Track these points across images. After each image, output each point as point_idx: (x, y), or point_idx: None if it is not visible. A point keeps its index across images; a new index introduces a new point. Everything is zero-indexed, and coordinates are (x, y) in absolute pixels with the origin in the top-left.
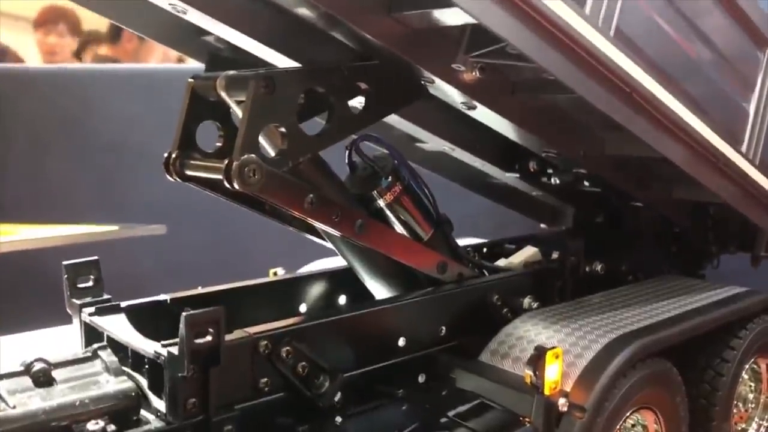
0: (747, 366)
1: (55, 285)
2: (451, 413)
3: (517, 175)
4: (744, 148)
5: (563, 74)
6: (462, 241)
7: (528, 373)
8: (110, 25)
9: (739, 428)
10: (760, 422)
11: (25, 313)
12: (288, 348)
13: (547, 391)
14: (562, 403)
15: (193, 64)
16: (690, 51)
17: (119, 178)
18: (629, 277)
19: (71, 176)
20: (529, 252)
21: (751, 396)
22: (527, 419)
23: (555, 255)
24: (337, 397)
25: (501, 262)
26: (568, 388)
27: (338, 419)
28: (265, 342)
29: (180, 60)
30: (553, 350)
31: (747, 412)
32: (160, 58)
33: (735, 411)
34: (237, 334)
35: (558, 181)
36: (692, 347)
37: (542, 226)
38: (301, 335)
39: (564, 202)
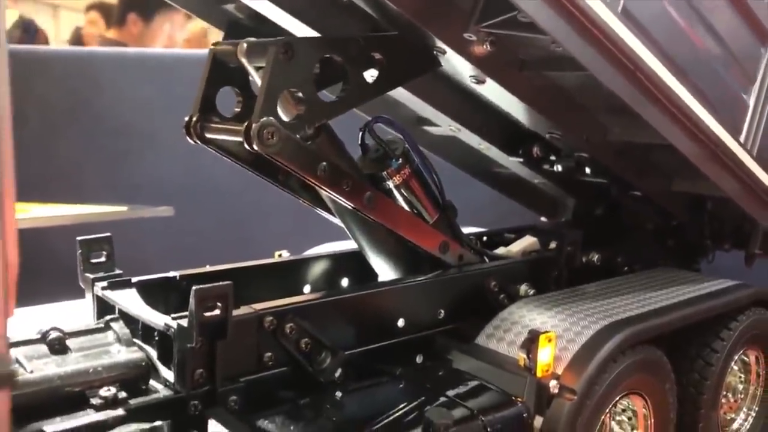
0: (736, 357)
1: (66, 262)
2: (447, 392)
3: (521, 160)
4: (743, 139)
5: (571, 45)
6: (465, 230)
7: (522, 356)
8: (117, 9)
9: (728, 418)
10: (748, 412)
11: (38, 287)
12: (292, 324)
13: (539, 373)
14: (553, 385)
15: (200, 52)
16: (695, 38)
17: (129, 161)
18: (625, 268)
19: (82, 157)
20: (528, 241)
21: (740, 387)
22: (519, 399)
23: (553, 245)
24: (338, 373)
25: (500, 251)
26: (559, 371)
27: (338, 394)
28: (271, 318)
29: (188, 41)
30: (546, 334)
31: (736, 402)
32: (165, 43)
33: (725, 401)
34: (243, 309)
35: (560, 169)
36: (683, 337)
37: (542, 219)
38: (304, 313)
39: (565, 192)
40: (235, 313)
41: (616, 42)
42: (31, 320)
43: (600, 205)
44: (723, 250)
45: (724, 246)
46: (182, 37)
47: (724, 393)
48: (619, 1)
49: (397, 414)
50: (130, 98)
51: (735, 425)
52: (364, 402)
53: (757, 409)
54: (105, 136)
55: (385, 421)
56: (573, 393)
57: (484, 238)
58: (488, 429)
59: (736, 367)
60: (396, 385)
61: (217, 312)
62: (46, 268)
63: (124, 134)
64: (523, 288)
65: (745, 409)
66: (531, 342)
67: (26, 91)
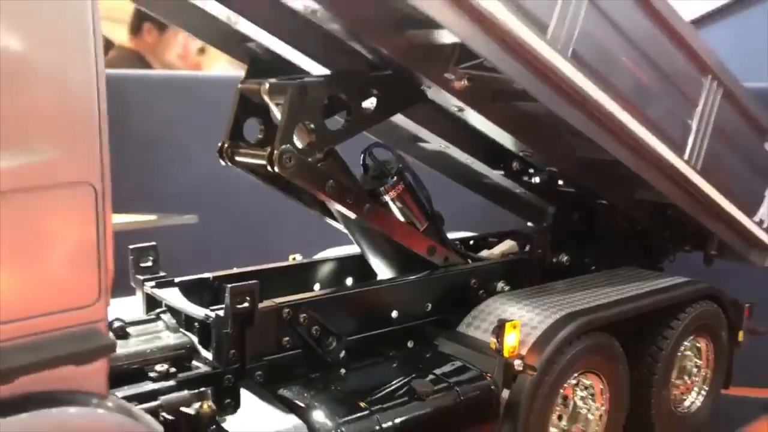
0: (686, 343)
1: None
2: (432, 370)
3: (503, 173)
4: (686, 156)
5: (528, 85)
6: (457, 234)
7: (492, 340)
8: (132, 18)
9: (684, 398)
10: (699, 391)
11: None
12: (305, 315)
13: (506, 354)
14: (517, 364)
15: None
16: (640, 73)
17: (157, 173)
18: (592, 268)
19: (117, 171)
20: (507, 245)
21: (695, 370)
22: (489, 375)
23: (527, 248)
24: (342, 354)
25: (484, 253)
26: (524, 353)
27: (342, 371)
28: (288, 310)
29: (201, 51)
30: (511, 322)
31: (691, 383)
32: (179, 51)
33: (680, 383)
34: (266, 303)
35: (537, 180)
36: (639, 326)
37: (529, 224)
38: (315, 306)
39: (544, 200)
40: (260, 306)
41: (567, 81)
42: None
43: (576, 211)
44: (685, 251)
45: (685, 248)
46: (196, 47)
47: (681, 376)
48: (569, 46)
49: (390, 386)
50: (157, 117)
51: (687, 402)
52: (364, 377)
53: (707, 388)
54: (136, 151)
55: (380, 391)
56: (533, 370)
57: (471, 242)
58: (461, 397)
59: (690, 353)
60: (390, 364)
61: (246, 305)
62: None
63: (153, 150)
64: (499, 285)
65: (696, 389)
66: (499, 329)
67: None
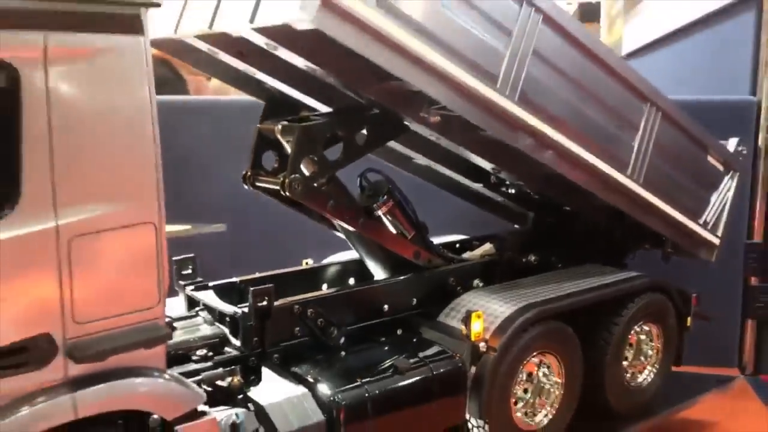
0: (637, 329)
1: None
2: (414, 352)
3: (482, 185)
4: (629, 172)
5: (482, 124)
6: (448, 237)
7: (462, 327)
8: None
9: (638, 375)
10: (651, 369)
11: None
12: (312, 310)
13: (472, 338)
14: (482, 346)
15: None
16: (583, 106)
17: (190, 188)
18: (559, 265)
19: None
20: (486, 247)
21: (650, 352)
22: (459, 355)
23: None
24: (342, 340)
25: (467, 254)
26: (487, 337)
27: (342, 354)
28: (298, 306)
29: None
30: (476, 313)
31: (646, 363)
32: None
33: (636, 362)
34: (281, 301)
35: (513, 191)
36: (594, 314)
37: (516, 226)
38: (320, 302)
39: (522, 207)
40: (276, 303)
41: (516, 119)
42: None
43: (550, 216)
44: (645, 249)
45: (645, 246)
46: None
47: (637, 356)
48: (516, 92)
49: (378, 365)
50: (190, 137)
51: (640, 379)
52: (358, 358)
53: (657, 367)
54: (171, 168)
55: (371, 368)
56: (494, 351)
57: (457, 245)
58: (433, 372)
59: (644, 337)
60: (381, 348)
61: (264, 303)
62: None
63: (186, 167)
64: (475, 282)
65: (649, 368)
66: (467, 318)
67: None
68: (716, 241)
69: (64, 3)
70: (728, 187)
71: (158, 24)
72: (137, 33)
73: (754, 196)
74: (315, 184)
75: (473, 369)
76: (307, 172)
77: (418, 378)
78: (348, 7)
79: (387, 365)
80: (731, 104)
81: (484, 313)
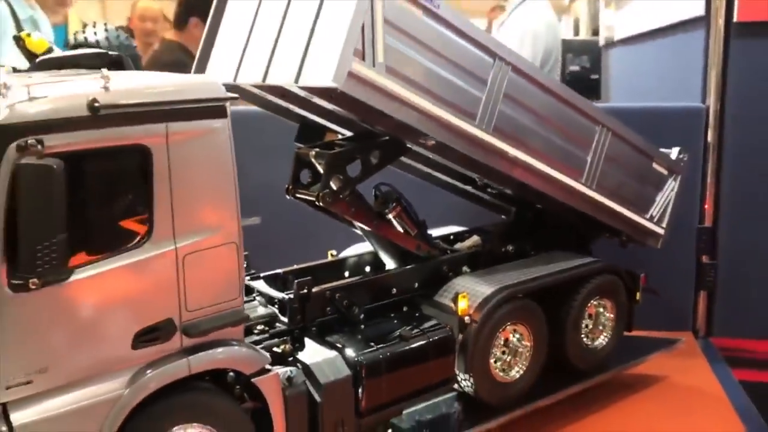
0: (594, 302)
1: None
2: (416, 325)
3: (471, 187)
4: (583, 180)
5: (466, 151)
6: (445, 229)
7: (451, 305)
8: (178, 13)
9: (596, 340)
10: (607, 335)
11: None
12: (338, 294)
13: (459, 313)
14: (467, 319)
15: None
16: (545, 132)
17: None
18: (532, 253)
19: None
20: (473, 240)
21: (605, 322)
22: (449, 327)
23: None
24: (361, 317)
25: (458, 245)
26: (471, 312)
27: (362, 327)
28: (329, 292)
29: None
30: (462, 294)
31: (603, 330)
32: None
33: (596, 330)
34: (317, 288)
35: (495, 192)
36: (557, 292)
37: (503, 217)
38: (345, 288)
39: (506, 203)
40: (313, 290)
41: (491, 146)
42: None
43: (529, 210)
44: (606, 238)
45: (605, 235)
46: None
47: (596, 325)
48: (491, 125)
49: (390, 334)
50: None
51: (596, 343)
52: (375, 330)
53: (611, 333)
54: None
55: (383, 337)
56: (476, 323)
57: (451, 237)
58: (430, 339)
59: (601, 309)
60: (391, 322)
61: (305, 290)
62: None
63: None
64: (464, 268)
65: (605, 334)
66: (455, 298)
67: None
68: (661, 231)
69: (178, 102)
70: (671, 187)
71: (215, 71)
72: (224, 117)
73: (705, 188)
74: (341, 196)
75: (460, 336)
76: (334, 187)
77: (418, 344)
78: (366, 76)
79: (395, 334)
80: (685, 110)
81: (468, 294)
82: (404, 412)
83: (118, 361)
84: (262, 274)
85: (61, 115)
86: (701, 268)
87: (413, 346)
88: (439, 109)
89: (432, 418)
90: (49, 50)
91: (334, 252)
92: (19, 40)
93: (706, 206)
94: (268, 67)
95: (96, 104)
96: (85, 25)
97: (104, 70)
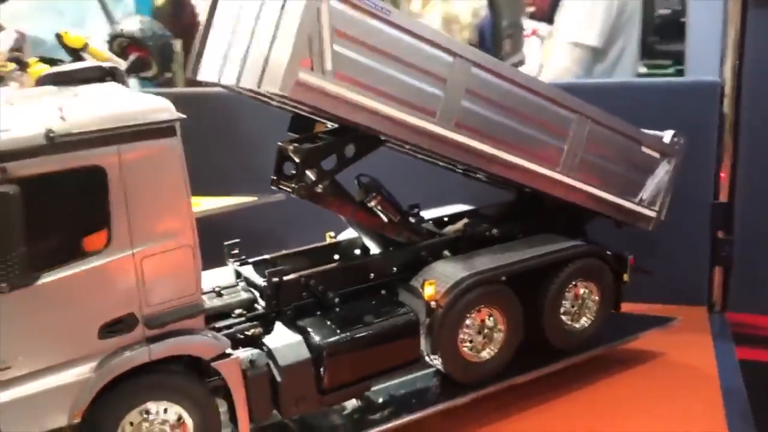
0: (575, 285)
1: (221, 238)
2: (385, 309)
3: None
4: (559, 169)
5: (428, 146)
6: (450, 208)
7: (420, 291)
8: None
9: (578, 321)
10: (590, 317)
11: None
12: (313, 280)
13: (426, 298)
14: (433, 304)
15: None
16: (512, 123)
17: (257, 165)
18: (520, 236)
19: (230, 164)
20: (461, 224)
21: (590, 303)
22: (414, 311)
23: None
24: (336, 300)
25: (450, 228)
26: (438, 297)
27: (336, 309)
28: (303, 278)
29: None
30: (429, 281)
31: (586, 312)
32: None
33: (580, 311)
34: (292, 275)
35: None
36: (538, 274)
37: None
38: (320, 274)
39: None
40: (287, 277)
41: (455, 141)
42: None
43: (528, 193)
44: (602, 219)
45: (600, 217)
46: None
47: (581, 308)
48: (453, 121)
49: (356, 318)
50: (256, 122)
51: (578, 324)
52: (349, 313)
53: (594, 316)
54: (242, 148)
55: (350, 321)
56: (441, 307)
57: (446, 219)
58: (393, 324)
59: (585, 291)
60: (363, 306)
61: (277, 279)
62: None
63: (253, 147)
64: (445, 252)
65: (587, 316)
66: (423, 284)
67: (194, 119)
68: (652, 214)
69: (128, 126)
70: (665, 170)
71: (206, 69)
72: (173, 136)
73: (720, 163)
74: (316, 189)
75: (427, 320)
76: (309, 180)
77: (380, 328)
78: (314, 83)
79: (360, 319)
80: (700, 84)
81: (439, 279)
82: (378, 387)
83: (86, 350)
84: (250, 260)
85: (22, 144)
86: (716, 243)
87: (375, 330)
88: (393, 109)
89: (406, 392)
90: (85, 46)
91: (333, 233)
92: (59, 37)
93: (721, 182)
94: (240, 72)
95: (51, 134)
96: (123, 17)
97: (77, 89)
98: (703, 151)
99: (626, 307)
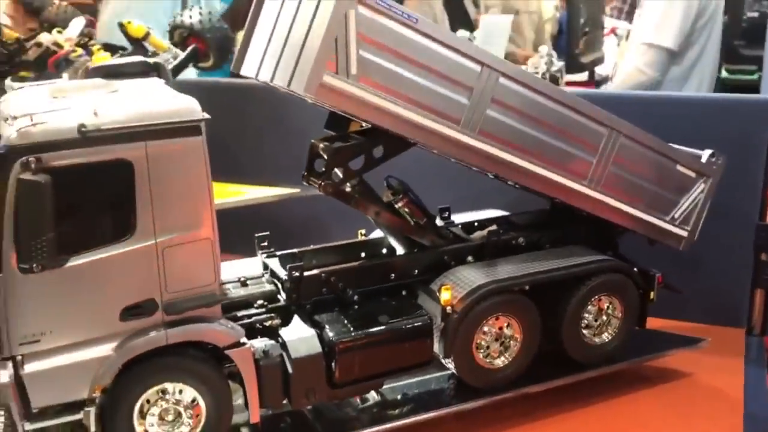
0: (598, 299)
1: (262, 227)
2: (401, 310)
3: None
4: (586, 182)
5: (452, 152)
6: (483, 213)
7: (438, 295)
8: None
9: (601, 336)
10: (611, 332)
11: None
12: (333, 277)
13: (442, 303)
14: (448, 309)
15: None
16: (543, 133)
17: (304, 157)
18: (547, 246)
19: (276, 155)
20: (488, 229)
21: (614, 320)
22: (429, 314)
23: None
24: (355, 298)
25: (475, 234)
26: (454, 303)
27: (355, 307)
28: (324, 274)
29: None
30: (445, 286)
31: (608, 326)
32: None
33: (601, 326)
34: (314, 271)
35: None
36: (558, 287)
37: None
38: (340, 271)
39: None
40: (307, 273)
41: (478, 149)
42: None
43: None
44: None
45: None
46: None
47: (604, 323)
48: (477, 128)
49: (371, 317)
50: (306, 115)
51: (597, 340)
52: (366, 312)
53: (616, 331)
54: (291, 140)
55: (365, 319)
56: (456, 313)
57: (476, 224)
58: (407, 325)
59: (609, 307)
60: (380, 305)
61: (297, 274)
62: (251, 230)
63: (302, 140)
64: (469, 258)
65: (609, 331)
66: (440, 289)
67: (242, 110)
68: (683, 233)
69: (156, 124)
70: (701, 189)
71: (248, 63)
72: (198, 135)
73: (767, 184)
74: (342, 187)
75: (441, 324)
76: (337, 178)
77: (393, 329)
78: (337, 86)
79: (375, 318)
80: (747, 101)
81: (457, 284)
82: (394, 385)
83: (108, 330)
84: (278, 253)
85: (56, 137)
86: (759, 265)
87: (387, 331)
88: (416, 114)
89: (420, 392)
90: (146, 35)
91: (364, 231)
92: (122, 27)
93: None
94: (274, 71)
95: (83, 129)
96: (183, 8)
97: (118, 84)
98: (752, 171)
99: (661, 323)
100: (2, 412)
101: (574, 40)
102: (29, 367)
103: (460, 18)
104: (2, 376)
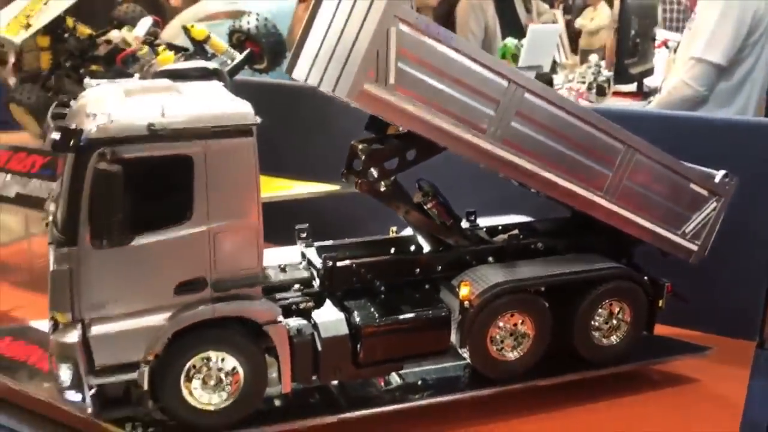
0: (608, 304)
1: (306, 219)
2: (423, 302)
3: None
4: (602, 193)
5: (475, 158)
6: (507, 218)
7: (457, 291)
8: None
9: (610, 338)
10: (620, 335)
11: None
12: (363, 268)
13: (461, 298)
14: (466, 304)
15: None
16: (562, 145)
17: (343, 157)
18: (563, 252)
19: (322, 153)
20: (509, 234)
21: (622, 324)
22: (448, 307)
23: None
24: (382, 288)
25: (498, 237)
26: (471, 298)
27: (382, 296)
28: (354, 265)
29: None
30: (464, 282)
31: (616, 330)
32: None
33: (610, 329)
34: (346, 262)
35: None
36: (570, 291)
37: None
38: (370, 263)
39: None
40: (339, 263)
41: (501, 157)
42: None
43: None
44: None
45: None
46: None
47: (612, 325)
48: (501, 138)
49: (395, 307)
50: (353, 117)
51: (606, 341)
52: (390, 302)
53: (624, 334)
54: (332, 140)
55: (389, 308)
56: (473, 307)
57: (500, 228)
58: (427, 316)
59: (617, 308)
60: (405, 296)
61: (331, 263)
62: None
63: (341, 139)
64: (489, 259)
65: (618, 334)
66: (459, 284)
67: (292, 111)
68: (693, 247)
69: (214, 126)
70: (713, 207)
71: (300, 67)
72: (250, 136)
73: None
74: (377, 185)
75: (459, 317)
76: (372, 177)
77: (413, 319)
78: (376, 94)
79: (398, 308)
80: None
81: (475, 282)
82: (412, 369)
83: (163, 302)
84: (316, 243)
85: (129, 133)
86: None
87: (409, 319)
88: (446, 123)
89: (437, 378)
90: (207, 38)
91: (395, 228)
92: (185, 29)
93: None
94: (322, 77)
95: (152, 127)
96: (241, 14)
97: (183, 86)
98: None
99: (672, 331)
100: (72, 367)
101: (625, 50)
102: (95, 330)
103: (511, 23)
104: (72, 336)
